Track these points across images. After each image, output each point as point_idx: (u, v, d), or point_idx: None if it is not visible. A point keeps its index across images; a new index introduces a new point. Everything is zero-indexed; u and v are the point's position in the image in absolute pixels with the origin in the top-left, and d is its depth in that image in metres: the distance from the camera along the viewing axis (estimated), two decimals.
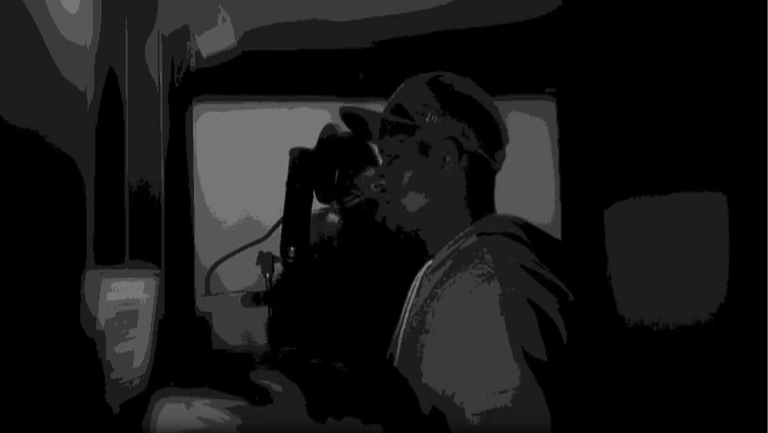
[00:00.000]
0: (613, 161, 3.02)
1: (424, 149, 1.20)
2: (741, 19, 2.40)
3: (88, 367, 1.50)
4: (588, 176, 3.12)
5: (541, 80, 3.21)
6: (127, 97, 2.16)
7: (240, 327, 2.84)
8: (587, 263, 3.05)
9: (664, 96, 2.83)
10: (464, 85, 1.28)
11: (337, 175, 1.66)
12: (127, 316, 1.69)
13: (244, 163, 3.12)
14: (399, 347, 1.17)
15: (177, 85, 2.89)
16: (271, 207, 1.72)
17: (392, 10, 2.80)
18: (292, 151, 1.67)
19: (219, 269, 1.63)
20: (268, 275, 1.62)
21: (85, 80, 1.81)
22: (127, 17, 2.18)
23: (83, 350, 1.49)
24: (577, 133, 3.18)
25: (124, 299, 1.66)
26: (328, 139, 1.68)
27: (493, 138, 1.22)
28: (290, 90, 3.18)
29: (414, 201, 1.20)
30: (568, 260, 1.27)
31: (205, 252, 3.09)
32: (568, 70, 3.17)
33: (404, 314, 1.21)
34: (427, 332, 1.07)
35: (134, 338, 1.74)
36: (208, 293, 1.66)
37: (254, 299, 1.60)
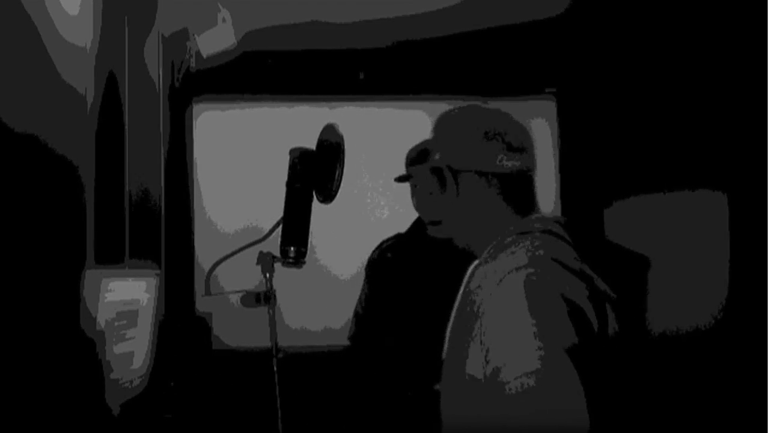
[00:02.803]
0: (613, 161, 3.02)
1: (448, 181, 1.24)
2: (741, 20, 2.40)
3: (88, 367, 1.51)
4: (588, 176, 3.12)
5: (541, 80, 3.21)
6: (127, 97, 2.16)
7: (240, 327, 2.85)
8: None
9: (664, 96, 2.84)
10: (466, 115, 1.33)
11: (337, 176, 1.66)
12: (127, 316, 1.69)
13: (244, 163, 3.13)
14: (448, 337, 1.21)
15: (177, 85, 2.89)
16: (271, 207, 1.72)
17: (392, 11, 2.81)
18: (292, 152, 1.67)
19: (219, 270, 1.63)
20: (268, 274, 1.62)
21: (85, 81, 1.81)
22: (127, 18, 2.18)
23: (83, 351, 1.49)
24: (577, 133, 3.18)
25: (124, 299, 1.66)
26: (328, 139, 1.68)
27: (513, 149, 1.24)
28: (290, 90, 3.18)
29: (461, 222, 1.26)
30: (612, 260, 1.32)
31: (204, 252, 3.09)
32: (568, 70, 3.17)
33: (454, 309, 1.25)
34: (468, 321, 1.11)
35: (134, 339, 1.74)
36: (208, 293, 1.65)
37: (254, 299, 1.59)
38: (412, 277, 1.89)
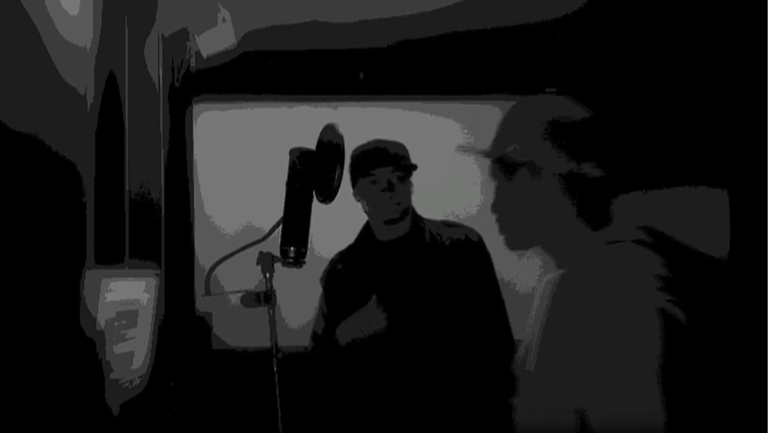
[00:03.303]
0: (612, 161, 3.01)
1: (511, 171, 1.21)
2: (741, 20, 2.41)
3: (88, 367, 1.51)
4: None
5: (541, 80, 3.21)
6: (127, 97, 2.16)
7: (240, 327, 2.85)
8: None
9: (664, 96, 2.84)
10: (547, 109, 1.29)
11: (336, 176, 1.66)
12: (127, 316, 1.69)
13: (244, 163, 3.12)
14: (536, 349, 1.18)
15: (177, 85, 2.89)
16: (271, 207, 1.72)
17: (392, 11, 2.81)
18: (292, 152, 1.67)
19: (219, 270, 1.63)
20: (268, 274, 1.62)
21: (85, 81, 1.81)
22: (127, 18, 2.18)
23: (83, 351, 1.49)
24: None
25: (124, 299, 1.66)
26: (328, 139, 1.68)
27: (572, 151, 1.21)
28: (290, 90, 3.18)
29: (521, 223, 1.23)
30: (703, 270, 1.32)
31: (204, 252, 3.09)
32: (568, 70, 3.17)
33: (535, 321, 1.22)
34: (562, 336, 1.09)
35: (134, 339, 1.74)
36: (208, 293, 1.65)
37: (254, 299, 1.59)
38: (363, 282, 1.90)
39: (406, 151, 1.95)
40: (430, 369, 1.80)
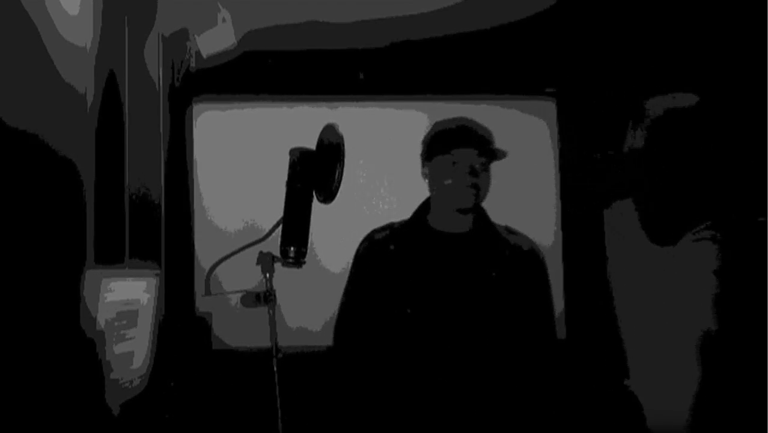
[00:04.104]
0: (613, 161, 3.02)
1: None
2: (741, 19, 2.41)
3: (88, 367, 1.51)
4: (588, 176, 3.12)
5: (541, 80, 3.21)
6: (127, 97, 2.16)
7: (240, 327, 2.85)
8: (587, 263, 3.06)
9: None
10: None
11: (337, 175, 1.66)
12: (127, 316, 1.69)
13: (244, 163, 3.12)
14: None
15: (177, 85, 2.89)
16: (271, 207, 1.72)
17: (392, 11, 2.80)
18: (292, 152, 1.67)
19: (219, 270, 1.63)
20: (268, 274, 1.62)
21: (85, 81, 1.81)
22: (127, 18, 2.18)
23: (83, 351, 1.49)
24: (577, 133, 3.18)
25: (124, 299, 1.66)
26: (328, 139, 1.68)
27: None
28: (290, 90, 3.18)
29: None
30: None
31: (204, 252, 3.09)
32: (568, 70, 3.17)
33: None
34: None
35: (134, 339, 1.74)
36: (208, 293, 1.65)
37: (254, 299, 1.59)
38: (418, 273, 1.73)
39: (492, 136, 1.78)
40: (478, 377, 1.69)
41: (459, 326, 1.69)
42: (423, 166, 1.81)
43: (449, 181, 1.72)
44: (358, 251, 1.85)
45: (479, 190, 1.72)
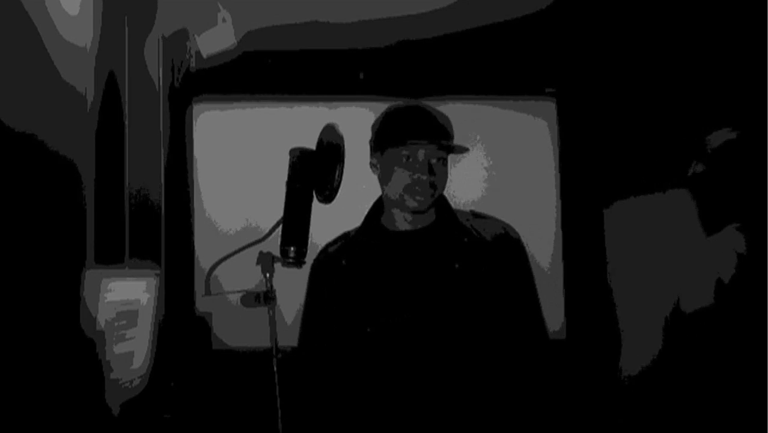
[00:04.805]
0: (612, 161, 3.02)
1: None
2: (741, 19, 2.41)
3: (88, 367, 1.51)
4: (588, 176, 3.12)
5: (541, 80, 3.21)
6: (127, 97, 2.16)
7: (240, 327, 2.85)
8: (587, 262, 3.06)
9: (664, 96, 2.84)
10: None
11: (337, 175, 1.65)
12: (127, 316, 1.69)
13: (244, 163, 3.12)
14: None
15: (177, 85, 2.90)
16: (271, 207, 1.72)
17: (392, 11, 2.81)
18: (292, 152, 1.66)
19: (219, 270, 1.63)
20: (268, 274, 1.61)
21: (85, 81, 1.81)
22: (127, 18, 2.19)
23: (83, 351, 1.50)
24: (577, 133, 3.18)
25: (124, 299, 1.66)
26: (328, 139, 1.68)
27: None
28: (290, 90, 3.18)
29: None
30: None
31: (204, 252, 3.09)
32: (568, 70, 3.17)
33: None
34: None
35: (134, 339, 1.74)
36: (208, 293, 1.65)
37: (254, 299, 1.59)
38: (376, 284, 1.58)
39: (450, 124, 1.60)
40: (463, 382, 1.51)
41: (427, 335, 1.52)
42: (372, 156, 1.65)
43: (403, 179, 1.55)
44: (312, 266, 1.68)
45: (436, 190, 1.56)
